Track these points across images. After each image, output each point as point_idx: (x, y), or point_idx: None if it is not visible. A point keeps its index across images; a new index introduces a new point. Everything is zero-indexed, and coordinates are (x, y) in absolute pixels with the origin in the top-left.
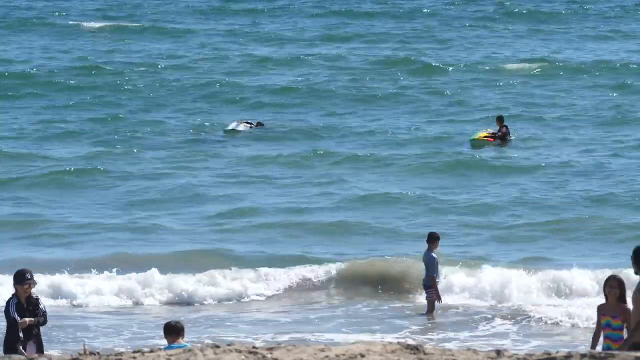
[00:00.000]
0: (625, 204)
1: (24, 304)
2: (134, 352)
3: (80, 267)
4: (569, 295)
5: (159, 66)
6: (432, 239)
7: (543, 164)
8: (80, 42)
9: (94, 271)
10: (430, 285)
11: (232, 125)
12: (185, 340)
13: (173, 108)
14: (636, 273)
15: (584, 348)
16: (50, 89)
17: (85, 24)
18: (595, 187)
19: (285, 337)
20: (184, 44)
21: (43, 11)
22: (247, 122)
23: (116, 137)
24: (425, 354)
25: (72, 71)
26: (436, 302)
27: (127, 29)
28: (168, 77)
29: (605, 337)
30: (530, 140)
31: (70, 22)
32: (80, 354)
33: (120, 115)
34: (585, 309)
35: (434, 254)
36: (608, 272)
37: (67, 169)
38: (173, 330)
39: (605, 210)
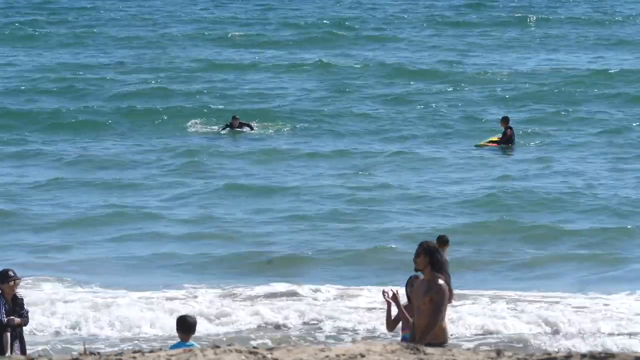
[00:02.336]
0: None
1: (10, 304)
2: (134, 352)
3: None
4: None
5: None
6: (443, 242)
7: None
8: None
9: None
10: None
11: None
12: None
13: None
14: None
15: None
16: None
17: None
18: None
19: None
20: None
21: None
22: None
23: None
24: (425, 354)
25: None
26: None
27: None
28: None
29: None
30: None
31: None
32: (80, 354)
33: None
34: None
35: (446, 257)
36: None
37: None
38: (186, 326)
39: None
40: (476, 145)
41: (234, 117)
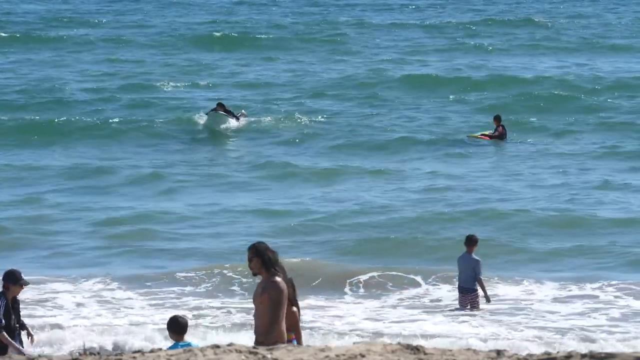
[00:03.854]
0: None
1: (10, 303)
2: (134, 352)
3: None
4: None
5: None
6: (472, 242)
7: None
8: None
9: None
10: (473, 288)
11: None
12: None
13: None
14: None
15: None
16: None
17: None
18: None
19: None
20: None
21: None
22: (229, 112)
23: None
24: (425, 354)
25: None
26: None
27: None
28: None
29: None
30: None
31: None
32: (80, 354)
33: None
34: None
35: (477, 257)
36: None
37: None
38: (178, 327)
39: None
40: (468, 136)
41: (219, 104)
